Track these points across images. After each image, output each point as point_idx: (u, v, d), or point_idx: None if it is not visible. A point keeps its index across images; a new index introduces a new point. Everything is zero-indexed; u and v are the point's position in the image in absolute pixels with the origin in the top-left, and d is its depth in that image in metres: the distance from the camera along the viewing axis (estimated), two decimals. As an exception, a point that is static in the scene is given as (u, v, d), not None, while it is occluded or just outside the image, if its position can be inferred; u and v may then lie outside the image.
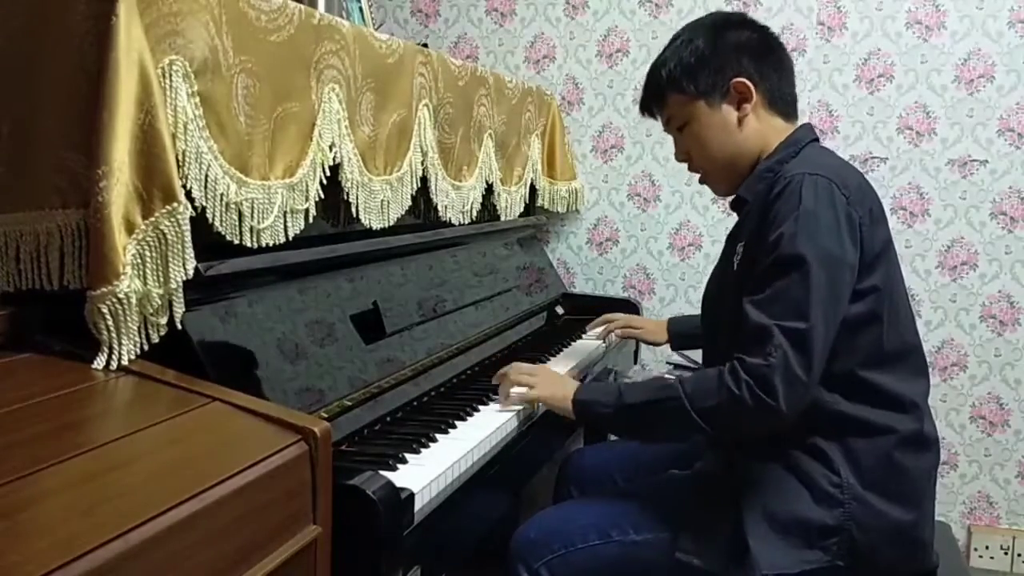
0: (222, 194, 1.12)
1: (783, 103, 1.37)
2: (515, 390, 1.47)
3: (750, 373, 1.17)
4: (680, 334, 1.89)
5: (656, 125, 2.48)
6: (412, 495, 1.08)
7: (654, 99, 1.43)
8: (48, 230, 1.04)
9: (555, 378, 1.48)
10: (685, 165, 1.46)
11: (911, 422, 1.26)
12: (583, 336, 2.10)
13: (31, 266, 1.06)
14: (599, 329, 2.07)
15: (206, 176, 1.09)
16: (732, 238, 1.41)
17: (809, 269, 1.17)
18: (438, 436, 1.30)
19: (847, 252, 1.20)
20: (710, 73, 1.34)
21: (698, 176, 1.45)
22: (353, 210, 1.46)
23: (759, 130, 1.35)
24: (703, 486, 1.35)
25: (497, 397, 1.51)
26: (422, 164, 1.66)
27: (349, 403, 1.29)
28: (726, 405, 1.19)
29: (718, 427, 1.23)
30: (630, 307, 2.35)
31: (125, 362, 1.01)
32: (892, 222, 2.34)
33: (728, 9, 2.41)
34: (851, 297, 1.22)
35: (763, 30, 1.40)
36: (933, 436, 1.31)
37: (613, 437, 2.37)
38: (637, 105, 1.51)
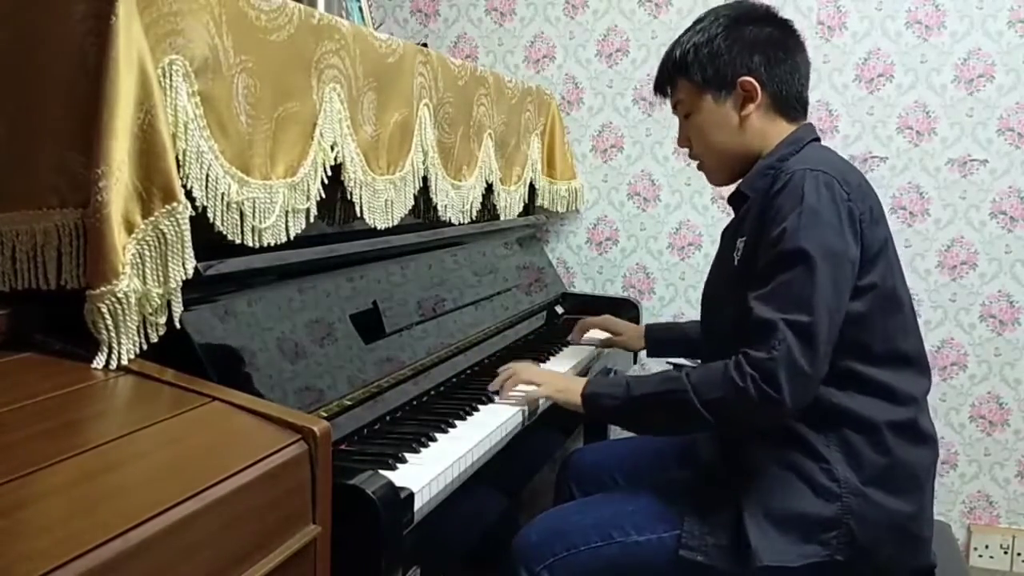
0: (223, 194, 1.12)
1: (790, 105, 1.37)
2: (522, 387, 1.49)
3: (754, 367, 1.17)
4: (658, 340, 1.85)
5: (655, 125, 2.50)
6: (412, 495, 1.08)
7: (666, 80, 1.44)
8: (46, 229, 1.04)
9: (559, 376, 1.51)
10: (684, 165, 1.47)
11: (905, 412, 1.27)
12: (567, 346, 2.01)
13: (28, 265, 1.06)
14: (587, 335, 2.02)
15: (207, 176, 1.09)
16: (730, 234, 1.41)
17: (812, 263, 1.18)
18: (438, 435, 1.30)
19: (849, 247, 1.21)
20: (720, 66, 1.35)
21: (696, 164, 1.47)
22: (357, 210, 1.46)
23: (761, 129, 1.36)
24: (703, 484, 1.35)
25: (498, 396, 1.51)
26: (423, 164, 1.66)
27: (349, 402, 1.29)
28: (731, 398, 1.20)
29: (722, 420, 1.24)
30: (630, 307, 2.35)
31: (124, 361, 1.01)
32: (892, 222, 2.34)
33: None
34: (852, 294, 1.23)
35: (784, 28, 1.39)
36: (931, 432, 1.31)
37: (613, 436, 2.37)
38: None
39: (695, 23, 1.40)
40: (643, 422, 1.37)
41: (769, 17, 1.39)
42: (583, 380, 1.42)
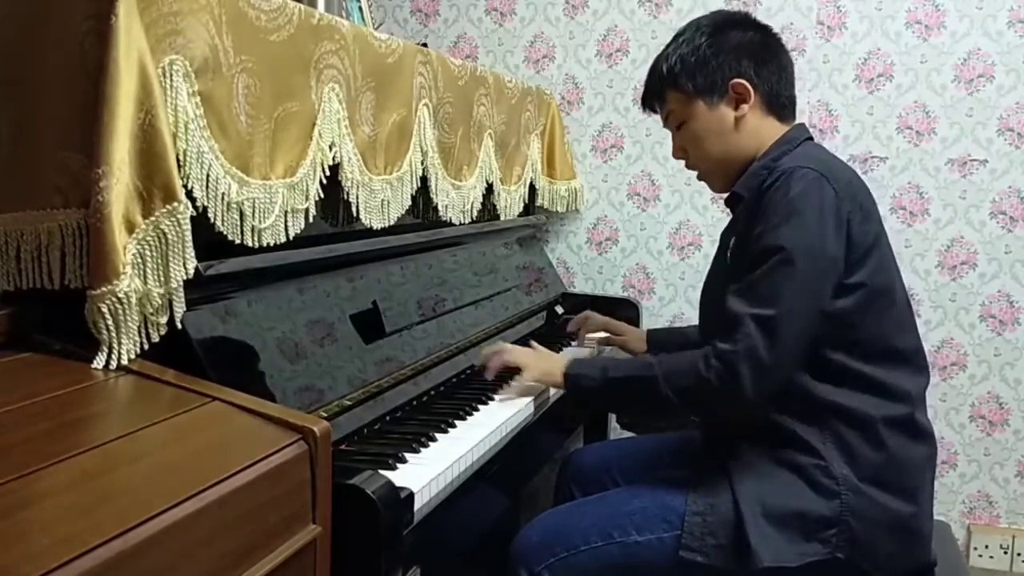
0: (223, 194, 1.12)
1: (780, 105, 1.39)
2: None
3: (719, 358, 1.22)
4: (660, 344, 1.85)
5: (655, 125, 2.50)
6: (412, 495, 1.08)
7: (654, 95, 1.46)
8: (49, 229, 1.05)
9: (543, 357, 1.56)
10: (684, 165, 1.47)
11: (900, 408, 1.27)
12: (567, 346, 2.02)
13: (32, 265, 1.06)
14: (587, 335, 2.02)
15: (207, 176, 1.09)
16: (726, 234, 1.43)
17: (786, 258, 1.20)
18: (438, 435, 1.30)
19: (829, 244, 1.22)
20: (709, 73, 1.37)
21: (696, 173, 1.48)
22: (354, 210, 1.46)
23: (755, 131, 1.38)
24: (703, 484, 1.35)
25: (498, 397, 1.52)
26: (422, 164, 1.66)
27: (349, 402, 1.29)
28: (695, 387, 1.25)
29: (689, 407, 1.32)
30: (630, 307, 2.35)
31: (125, 361, 1.01)
32: (892, 222, 2.34)
33: (728, 8, 2.41)
34: (838, 291, 1.24)
35: (765, 31, 1.41)
36: (927, 428, 1.31)
37: (613, 436, 2.37)
38: (637, 105, 1.53)
39: (676, 36, 1.42)
40: (618, 404, 1.48)
41: (749, 22, 1.41)
42: (565, 360, 1.48)
